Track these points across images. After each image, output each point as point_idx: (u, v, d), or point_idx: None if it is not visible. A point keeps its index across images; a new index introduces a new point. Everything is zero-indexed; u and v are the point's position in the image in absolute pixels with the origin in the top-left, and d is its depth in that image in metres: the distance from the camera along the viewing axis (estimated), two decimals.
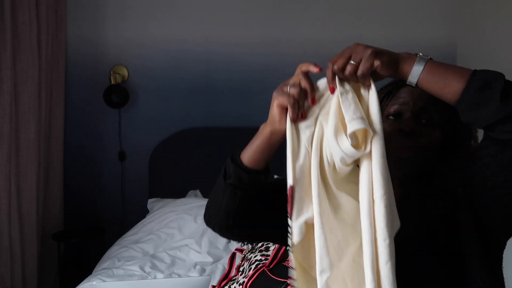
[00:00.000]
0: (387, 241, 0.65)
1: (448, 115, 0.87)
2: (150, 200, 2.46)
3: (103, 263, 1.95)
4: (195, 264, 1.90)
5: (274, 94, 0.78)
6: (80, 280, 1.79)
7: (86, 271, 1.98)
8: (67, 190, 2.60)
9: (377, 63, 0.73)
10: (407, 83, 0.75)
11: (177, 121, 2.63)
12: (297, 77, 0.81)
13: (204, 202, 2.29)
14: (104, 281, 1.71)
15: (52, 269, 2.49)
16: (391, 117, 0.90)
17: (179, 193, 2.48)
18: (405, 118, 0.88)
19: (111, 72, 2.55)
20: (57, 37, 2.46)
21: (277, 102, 0.78)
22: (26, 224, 2.29)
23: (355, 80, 0.75)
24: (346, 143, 0.68)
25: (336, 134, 0.70)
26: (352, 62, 0.75)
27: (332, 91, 0.77)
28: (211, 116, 2.66)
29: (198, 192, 2.52)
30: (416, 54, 0.75)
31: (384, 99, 0.95)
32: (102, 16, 2.59)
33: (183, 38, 2.62)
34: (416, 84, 0.74)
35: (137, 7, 2.60)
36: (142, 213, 2.44)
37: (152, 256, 1.95)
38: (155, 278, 1.77)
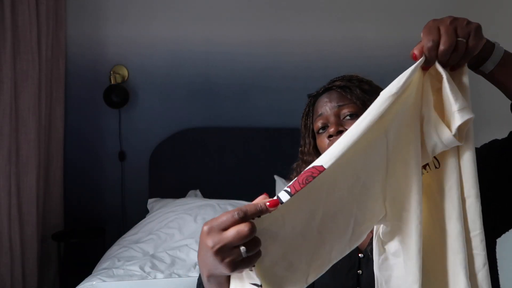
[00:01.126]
0: (484, 242, 0.61)
1: (363, 100, 0.93)
2: (150, 200, 2.46)
3: (103, 263, 1.95)
4: (195, 264, 1.90)
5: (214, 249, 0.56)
6: (80, 280, 1.79)
7: (86, 271, 1.97)
8: (67, 190, 2.60)
9: (484, 40, 0.64)
10: (480, 69, 0.70)
11: (177, 121, 2.63)
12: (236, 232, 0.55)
13: (204, 202, 2.31)
14: (104, 281, 1.71)
15: (52, 269, 2.50)
16: (321, 131, 0.96)
17: (179, 193, 2.48)
18: (330, 123, 0.93)
19: (111, 72, 2.55)
20: (57, 37, 2.46)
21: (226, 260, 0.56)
22: (26, 224, 2.29)
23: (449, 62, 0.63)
24: (447, 134, 0.60)
25: (434, 123, 0.62)
26: (460, 39, 0.61)
27: (426, 70, 0.63)
28: (211, 116, 2.66)
29: (198, 192, 2.52)
30: (491, 41, 0.69)
31: (306, 122, 1.03)
32: (102, 16, 2.59)
33: (183, 38, 2.62)
34: (490, 73, 0.69)
35: (137, 7, 2.60)
36: (142, 213, 2.44)
37: (152, 256, 1.95)
38: (155, 278, 1.77)
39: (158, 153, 2.60)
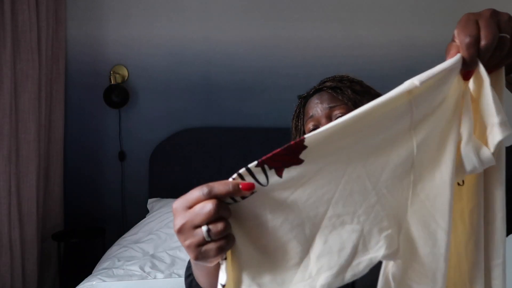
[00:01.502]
0: (505, 272, 0.56)
1: (354, 101, 0.92)
2: (150, 200, 2.46)
3: (103, 263, 1.95)
4: None
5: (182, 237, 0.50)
6: (80, 280, 1.79)
7: (86, 271, 1.97)
8: (67, 190, 2.60)
9: None
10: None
11: (177, 121, 2.63)
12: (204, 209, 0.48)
13: None
14: (104, 281, 1.71)
15: (52, 269, 2.50)
16: None
17: (179, 193, 2.46)
18: (321, 125, 0.92)
19: (111, 72, 2.55)
20: (57, 37, 2.46)
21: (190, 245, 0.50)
22: (26, 224, 2.29)
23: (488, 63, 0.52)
24: (487, 153, 0.51)
25: (475, 146, 0.52)
26: (504, 34, 0.51)
27: (467, 77, 0.52)
28: (211, 116, 2.66)
29: None
30: None
31: (297, 124, 1.01)
32: (102, 16, 2.59)
33: (183, 38, 2.62)
34: None
35: (138, 7, 2.60)
36: (142, 213, 2.44)
37: (152, 256, 1.95)
38: (155, 278, 1.77)
39: (158, 153, 2.60)
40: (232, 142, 2.61)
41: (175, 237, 2.10)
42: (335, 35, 2.69)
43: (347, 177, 0.51)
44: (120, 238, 2.19)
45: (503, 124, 0.51)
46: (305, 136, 0.47)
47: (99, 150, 2.65)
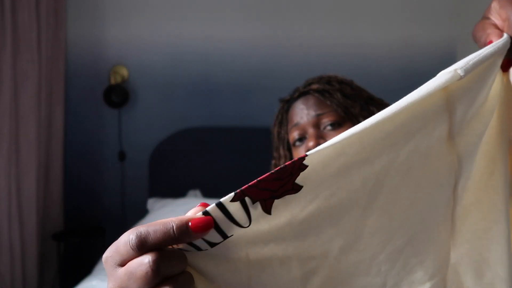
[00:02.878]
0: None
1: (345, 106, 0.82)
2: (150, 200, 2.46)
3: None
4: None
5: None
6: (80, 280, 1.79)
7: (86, 271, 1.97)
8: (67, 190, 2.60)
9: None
10: None
11: (177, 121, 2.63)
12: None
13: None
14: (104, 281, 1.71)
15: (52, 269, 2.49)
16: (297, 143, 0.84)
17: (179, 193, 2.48)
18: (308, 135, 0.82)
19: (111, 72, 2.55)
20: (57, 37, 2.46)
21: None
22: (26, 224, 2.29)
23: None
24: None
25: None
26: None
27: (507, 67, 0.40)
28: (211, 116, 2.66)
29: (198, 192, 2.52)
30: None
31: (280, 131, 0.89)
32: (102, 16, 2.59)
33: (183, 38, 2.62)
34: None
35: (137, 7, 2.60)
36: (142, 213, 2.44)
37: None
38: None
39: (158, 153, 2.60)
40: (232, 142, 2.61)
41: None
42: (335, 35, 2.69)
43: (362, 210, 0.35)
44: None
45: None
46: (307, 153, 0.33)
47: (99, 150, 2.65)
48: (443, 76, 0.35)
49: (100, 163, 2.65)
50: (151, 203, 2.43)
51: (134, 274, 0.31)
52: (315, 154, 0.33)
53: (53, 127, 2.48)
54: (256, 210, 0.32)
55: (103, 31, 2.59)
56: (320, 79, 0.88)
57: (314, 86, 0.86)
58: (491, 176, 0.39)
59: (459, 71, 0.34)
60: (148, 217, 2.30)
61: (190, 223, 0.31)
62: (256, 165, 2.78)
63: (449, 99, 0.36)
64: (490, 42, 0.38)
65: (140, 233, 0.32)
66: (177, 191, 2.49)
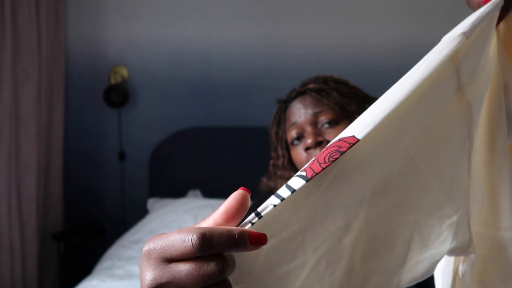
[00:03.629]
0: None
1: (342, 105, 0.83)
2: (150, 200, 2.46)
3: (103, 263, 1.95)
4: None
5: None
6: (80, 280, 1.79)
7: (86, 271, 1.97)
8: (67, 190, 2.60)
9: None
10: None
11: (177, 121, 2.63)
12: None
13: (204, 202, 2.31)
14: (104, 281, 1.71)
15: (52, 269, 2.50)
16: (295, 142, 0.85)
17: (179, 193, 2.48)
18: (306, 133, 0.83)
19: (111, 72, 2.55)
20: (57, 37, 2.46)
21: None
22: (26, 224, 2.29)
23: None
24: None
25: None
26: None
27: (498, 22, 0.44)
28: (211, 116, 2.66)
29: (198, 192, 2.52)
30: None
31: (278, 131, 0.91)
32: (102, 16, 2.59)
33: (183, 38, 2.62)
34: None
35: (137, 7, 2.60)
36: (142, 213, 2.44)
37: None
38: None
39: (158, 153, 2.60)
40: (232, 142, 2.61)
41: None
42: (335, 35, 2.69)
43: (386, 159, 0.39)
44: (120, 238, 2.19)
45: None
46: (358, 136, 0.36)
47: (99, 150, 2.65)
48: (452, 42, 0.38)
49: (100, 163, 2.65)
50: (151, 203, 2.43)
51: (199, 273, 0.32)
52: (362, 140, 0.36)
53: (53, 127, 2.48)
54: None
55: (103, 31, 2.59)
56: (316, 79, 0.90)
57: (311, 86, 0.87)
58: (492, 118, 0.43)
59: (467, 34, 0.38)
60: (148, 217, 2.30)
61: (249, 235, 0.33)
62: (256, 165, 2.79)
63: (455, 56, 0.40)
64: (486, 1, 0.42)
65: (205, 233, 0.32)
66: (177, 191, 2.49)
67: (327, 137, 0.81)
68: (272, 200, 0.35)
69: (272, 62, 2.66)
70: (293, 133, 0.85)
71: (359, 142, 0.36)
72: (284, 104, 0.91)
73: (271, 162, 0.95)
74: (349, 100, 0.85)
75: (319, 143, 0.81)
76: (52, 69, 2.44)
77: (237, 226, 0.35)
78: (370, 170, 0.39)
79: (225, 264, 0.32)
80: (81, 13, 2.57)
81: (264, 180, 0.96)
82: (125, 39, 2.60)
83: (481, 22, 0.40)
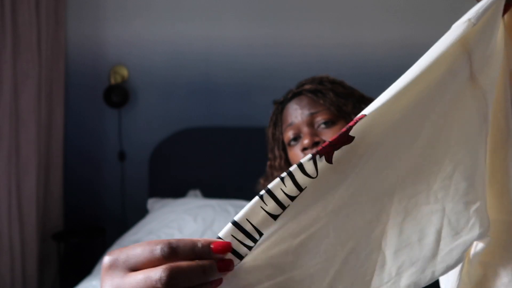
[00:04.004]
0: None
1: (338, 105, 0.84)
2: (150, 200, 2.46)
3: None
4: None
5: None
6: (80, 280, 1.79)
7: (86, 271, 1.97)
8: (67, 190, 2.60)
9: None
10: None
11: (177, 121, 2.63)
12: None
13: (204, 202, 2.31)
14: None
15: (52, 269, 2.50)
16: (292, 143, 0.87)
17: (179, 193, 2.48)
18: (303, 134, 0.84)
19: (111, 72, 2.55)
20: (57, 37, 2.46)
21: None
22: (26, 224, 2.29)
23: None
24: None
25: None
26: None
27: (504, 11, 0.45)
28: (211, 116, 2.66)
29: (198, 192, 2.52)
30: None
31: (275, 132, 0.91)
32: (102, 16, 2.59)
33: (183, 38, 2.62)
34: None
35: (137, 7, 2.60)
36: (142, 213, 2.44)
37: None
38: None
39: (158, 153, 2.60)
40: (232, 142, 2.61)
41: (175, 237, 2.09)
42: (335, 35, 2.69)
43: (409, 149, 0.41)
44: (120, 238, 2.19)
45: None
46: (365, 112, 0.40)
47: (99, 150, 2.65)
48: (459, 28, 0.41)
49: (100, 163, 2.65)
50: (151, 203, 2.43)
51: (143, 282, 0.32)
52: (369, 115, 0.39)
53: (53, 127, 2.48)
54: (321, 162, 0.39)
55: (103, 31, 2.59)
56: (312, 80, 0.90)
57: (307, 87, 0.88)
58: (503, 103, 0.45)
59: (472, 20, 0.40)
60: (148, 217, 2.30)
61: (212, 245, 0.35)
62: (256, 165, 2.79)
63: (465, 44, 0.41)
64: None
65: (171, 244, 0.34)
66: (177, 191, 2.49)
67: (323, 138, 0.82)
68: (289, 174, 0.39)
69: (272, 62, 2.66)
70: (289, 134, 0.86)
71: (366, 117, 0.39)
72: (281, 105, 0.92)
73: (268, 163, 0.96)
74: (345, 100, 0.86)
75: (316, 143, 0.81)
76: (52, 69, 2.44)
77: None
78: (395, 161, 0.41)
79: (176, 270, 0.33)
80: (81, 13, 2.57)
81: (261, 181, 0.97)
82: (125, 39, 2.60)
83: (487, 10, 0.41)
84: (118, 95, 2.53)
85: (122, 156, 2.63)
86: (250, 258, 0.38)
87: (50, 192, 2.48)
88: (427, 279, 0.41)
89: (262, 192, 0.38)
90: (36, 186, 2.30)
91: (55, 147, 2.49)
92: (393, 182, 0.41)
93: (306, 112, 0.85)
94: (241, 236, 0.37)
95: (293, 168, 0.39)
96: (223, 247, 0.35)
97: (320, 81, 0.90)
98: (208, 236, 2.05)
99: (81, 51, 2.58)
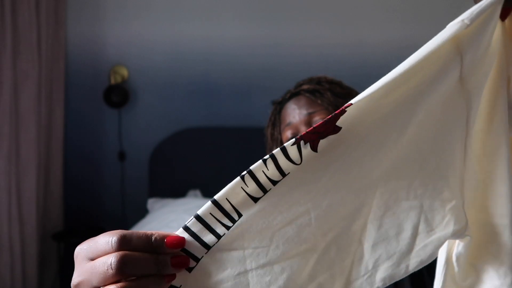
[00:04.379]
0: None
1: (336, 105, 0.85)
2: (150, 200, 2.46)
3: None
4: None
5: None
6: None
7: None
8: (67, 190, 2.60)
9: None
10: None
11: (177, 121, 2.63)
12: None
13: (204, 202, 2.30)
14: None
15: (52, 269, 2.49)
16: None
17: (179, 193, 2.48)
18: (300, 133, 0.85)
19: (111, 72, 2.55)
20: (57, 37, 2.46)
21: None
22: (26, 224, 2.29)
23: None
24: None
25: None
26: None
27: (504, 16, 0.45)
28: (211, 116, 2.66)
29: (198, 192, 2.52)
30: None
31: (273, 132, 0.92)
32: (102, 16, 2.59)
33: (183, 38, 2.62)
34: None
35: (137, 7, 2.60)
36: (142, 213, 2.44)
37: None
38: None
39: (158, 153, 2.60)
40: (232, 142, 2.61)
41: None
42: (335, 35, 2.69)
43: (394, 144, 0.41)
44: None
45: None
46: (352, 101, 0.40)
47: (99, 150, 2.65)
48: (453, 27, 0.41)
49: (100, 163, 2.65)
50: (151, 203, 2.43)
51: (97, 269, 0.35)
52: (354, 104, 0.39)
53: (53, 127, 2.48)
54: (306, 149, 0.39)
55: (103, 31, 2.59)
56: (310, 80, 0.92)
57: (305, 87, 0.89)
58: (492, 107, 0.44)
59: (466, 21, 0.41)
60: (148, 217, 2.30)
61: (166, 239, 0.36)
62: None
63: (459, 45, 0.42)
64: None
65: (125, 235, 0.36)
66: (177, 191, 2.49)
67: None
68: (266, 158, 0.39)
69: (272, 62, 2.66)
70: (288, 134, 0.87)
71: (353, 108, 0.39)
72: (279, 105, 0.93)
73: None
74: (343, 100, 0.86)
75: None
76: (52, 69, 2.44)
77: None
78: (380, 155, 0.41)
79: (122, 258, 0.34)
80: (81, 13, 2.57)
81: None
82: (125, 39, 2.60)
83: (482, 12, 0.41)
84: (118, 95, 2.53)
85: (122, 156, 2.63)
86: (227, 240, 0.38)
87: (50, 192, 2.47)
88: (401, 273, 0.42)
89: (244, 172, 0.39)
90: (36, 186, 2.30)
91: (55, 147, 2.49)
92: (377, 176, 0.41)
93: (304, 112, 0.86)
94: (219, 215, 0.38)
95: (276, 151, 0.39)
96: (177, 241, 0.36)
97: (318, 81, 0.91)
98: None
99: (81, 51, 2.58)
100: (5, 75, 2.18)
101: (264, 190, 0.39)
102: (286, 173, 0.39)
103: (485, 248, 0.44)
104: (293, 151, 0.39)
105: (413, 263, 0.42)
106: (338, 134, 0.39)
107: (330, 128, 0.39)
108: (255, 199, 0.39)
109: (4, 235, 2.20)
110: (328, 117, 0.39)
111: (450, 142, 0.43)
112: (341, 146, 0.40)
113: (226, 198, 0.39)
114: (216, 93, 2.66)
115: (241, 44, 2.65)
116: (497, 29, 0.45)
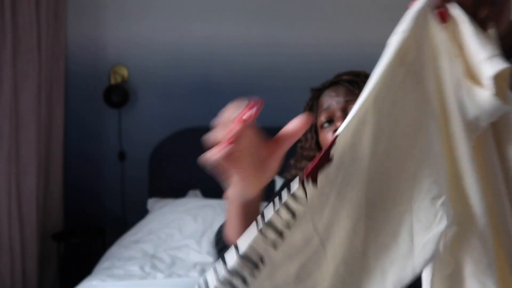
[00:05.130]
0: None
1: None
2: (150, 200, 2.46)
3: (103, 263, 1.95)
4: (195, 264, 1.90)
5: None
6: (80, 280, 1.79)
7: (86, 271, 1.97)
8: (67, 190, 2.60)
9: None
10: None
11: (177, 121, 2.63)
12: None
13: (204, 202, 2.31)
14: (104, 281, 1.71)
15: (52, 269, 2.50)
16: (325, 125, 0.94)
17: (179, 193, 2.48)
18: (336, 118, 0.92)
19: (111, 72, 2.55)
20: (57, 37, 2.46)
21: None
22: (26, 224, 2.29)
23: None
24: (483, 94, 0.43)
25: (467, 89, 0.45)
26: None
27: (444, 19, 0.47)
28: (212, 116, 2.62)
29: (198, 192, 2.52)
30: None
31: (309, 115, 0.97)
32: (102, 16, 2.59)
33: (183, 38, 2.62)
34: None
35: (137, 7, 2.60)
36: (142, 213, 2.44)
37: (152, 256, 1.95)
38: (155, 278, 1.77)
39: (158, 153, 2.60)
40: None
41: (175, 237, 2.10)
42: (335, 35, 2.69)
43: (374, 159, 0.44)
44: (120, 238, 2.19)
45: (491, 59, 0.42)
46: (337, 132, 0.44)
47: (99, 150, 2.65)
48: (394, 39, 0.47)
49: (100, 163, 2.66)
50: (151, 203, 2.44)
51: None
52: (342, 132, 0.43)
53: (53, 127, 2.48)
54: (309, 187, 0.42)
55: (103, 31, 2.59)
56: (350, 72, 1.01)
57: (345, 77, 0.98)
58: (447, 106, 0.47)
59: (405, 33, 0.47)
60: (148, 217, 2.30)
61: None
62: None
63: (404, 53, 0.46)
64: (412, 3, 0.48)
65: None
66: (177, 191, 2.49)
67: None
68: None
69: (272, 62, 2.66)
70: (322, 118, 0.94)
71: (339, 136, 0.43)
72: (318, 92, 1.01)
73: (299, 145, 1.04)
74: None
75: None
76: (52, 69, 2.44)
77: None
78: (363, 173, 0.44)
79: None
80: (81, 13, 2.57)
81: (292, 162, 1.04)
82: (125, 39, 2.60)
83: (414, 19, 0.47)
84: (118, 95, 2.53)
85: (122, 156, 2.63)
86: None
87: (50, 192, 2.48)
88: (409, 275, 0.43)
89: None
90: (36, 186, 2.31)
91: (55, 147, 2.49)
92: (364, 192, 0.44)
93: (342, 99, 0.93)
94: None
95: (286, 198, 0.42)
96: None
97: (357, 74, 0.99)
98: (208, 237, 2.05)
99: (81, 51, 2.58)
100: (5, 75, 2.18)
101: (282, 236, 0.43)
102: (297, 216, 0.43)
103: (465, 240, 0.46)
104: (300, 193, 0.42)
105: (418, 263, 0.43)
106: (331, 163, 0.43)
107: (324, 159, 0.43)
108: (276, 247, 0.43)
109: (4, 235, 2.21)
110: (322, 151, 0.43)
111: (427, 143, 0.45)
112: (334, 174, 0.43)
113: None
114: (216, 93, 2.66)
115: (241, 44, 2.65)
116: (441, 32, 0.47)
